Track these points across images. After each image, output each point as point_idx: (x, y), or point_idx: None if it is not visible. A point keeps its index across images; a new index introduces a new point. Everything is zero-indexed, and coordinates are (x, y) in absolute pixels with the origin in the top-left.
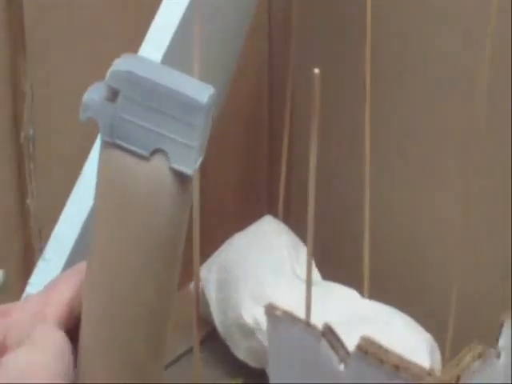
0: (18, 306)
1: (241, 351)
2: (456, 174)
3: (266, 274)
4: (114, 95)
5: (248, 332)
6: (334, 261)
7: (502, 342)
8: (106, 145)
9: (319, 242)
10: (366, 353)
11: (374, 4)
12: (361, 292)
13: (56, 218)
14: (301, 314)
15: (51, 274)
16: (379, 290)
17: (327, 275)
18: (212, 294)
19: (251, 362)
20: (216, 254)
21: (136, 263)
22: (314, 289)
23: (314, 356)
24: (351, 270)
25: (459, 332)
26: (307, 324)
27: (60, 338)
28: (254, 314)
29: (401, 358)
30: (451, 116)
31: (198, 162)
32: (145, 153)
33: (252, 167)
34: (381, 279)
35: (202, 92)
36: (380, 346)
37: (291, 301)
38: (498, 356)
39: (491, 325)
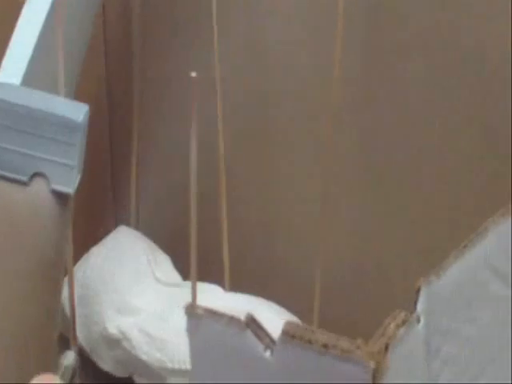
0: None
1: (107, 363)
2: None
3: (127, 283)
4: None
5: (113, 343)
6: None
7: (420, 306)
8: None
9: (180, 243)
10: (293, 336)
11: None
12: (223, 287)
13: None
14: (169, 316)
15: None
16: (242, 283)
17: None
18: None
19: (117, 372)
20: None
21: (22, 288)
22: (176, 290)
23: (240, 348)
24: (211, 267)
25: (325, 313)
26: (230, 317)
27: None
28: (118, 325)
29: (328, 336)
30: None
31: (78, 180)
32: (24, 178)
33: (95, 181)
34: (242, 271)
35: (76, 111)
36: (306, 328)
37: (157, 305)
38: (418, 320)
39: (355, 301)
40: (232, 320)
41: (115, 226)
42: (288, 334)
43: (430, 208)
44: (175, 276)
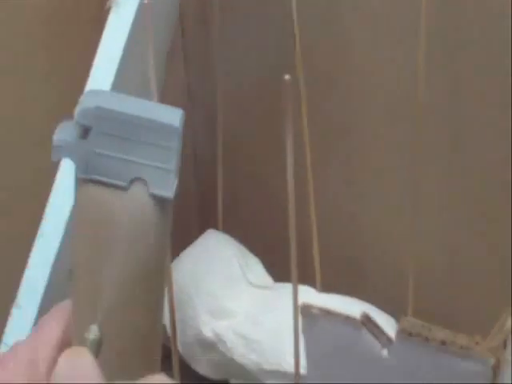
0: (9, 356)
1: (202, 366)
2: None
3: (219, 286)
4: (85, 132)
5: (209, 346)
6: (283, 262)
7: None
8: (82, 182)
9: (265, 245)
10: (410, 334)
11: None
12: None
13: None
14: (264, 318)
15: (26, 321)
16: (332, 285)
17: (278, 277)
18: (167, 316)
19: (213, 375)
20: None
21: (125, 296)
22: (269, 292)
23: (356, 347)
24: (301, 269)
25: (418, 316)
26: (346, 316)
27: None
28: (213, 328)
29: (445, 333)
30: (391, 112)
31: (176, 185)
32: (123, 183)
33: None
34: (333, 273)
35: (173, 116)
36: (422, 325)
37: (250, 308)
38: None
39: (448, 306)
40: (348, 319)
41: (200, 231)
42: (405, 331)
43: None
44: (267, 279)
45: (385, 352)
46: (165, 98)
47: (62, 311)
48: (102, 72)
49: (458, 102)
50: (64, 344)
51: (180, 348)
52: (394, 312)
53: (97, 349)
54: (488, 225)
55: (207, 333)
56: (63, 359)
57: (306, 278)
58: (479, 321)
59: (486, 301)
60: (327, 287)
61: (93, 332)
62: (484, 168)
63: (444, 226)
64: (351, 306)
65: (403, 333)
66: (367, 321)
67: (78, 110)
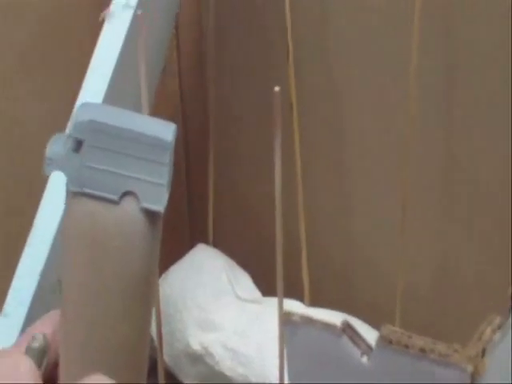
0: None
1: (189, 378)
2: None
3: (207, 299)
4: (78, 145)
5: (196, 358)
6: (273, 277)
7: None
8: (73, 195)
9: (254, 260)
10: (390, 341)
11: None
12: (303, 302)
13: None
14: (251, 332)
15: (12, 330)
16: (321, 299)
17: (267, 292)
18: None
19: None
20: None
21: (113, 306)
22: (257, 306)
23: (336, 353)
24: (290, 283)
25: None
26: (326, 323)
27: None
28: (201, 341)
29: (425, 341)
30: (384, 115)
31: (166, 198)
32: (114, 197)
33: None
34: (322, 287)
35: (165, 131)
36: (402, 333)
37: (238, 321)
38: None
39: (436, 320)
40: (328, 326)
41: (191, 245)
42: (385, 338)
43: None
44: (255, 292)
45: (365, 359)
46: (156, 108)
47: (49, 321)
48: (95, 83)
49: (452, 106)
50: (49, 354)
51: (168, 360)
52: (382, 324)
53: (41, 357)
54: (478, 237)
55: (195, 345)
56: None
57: (295, 293)
58: (468, 334)
59: (474, 314)
60: (316, 301)
61: (37, 340)
62: (477, 177)
63: (433, 239)
64: (336, 318)
65: (383, 340)
66: (347, 328)
67: (71, 123)
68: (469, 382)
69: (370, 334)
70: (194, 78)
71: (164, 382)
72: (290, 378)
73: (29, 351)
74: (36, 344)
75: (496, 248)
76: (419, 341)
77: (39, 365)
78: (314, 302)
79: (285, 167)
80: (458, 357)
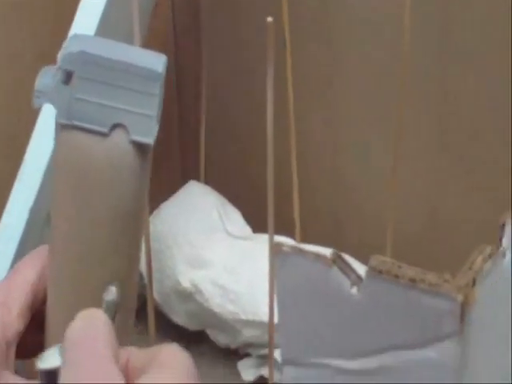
0: None
1: (179, 316)
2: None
3: (198, 236)
4: (68, 77)
5: (186, 296)
6: (264, 214)
7: (505, 241)
8: (62, 127)
9: (246, 196)
10: (380, 272)
11: None
12: (293, 238)
13: None
14: (242, 269)
15: (2, 266)
16: (312, 238)
17: (258, 229)
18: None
19: (190, 326)
20: None
21: (102, 240)
22: (247, 243)
23: (326, 284)
24: (281, 221)
25: None
26: (317, 254)
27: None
28: (191, 278)
29: (415, 271)
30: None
31: (156, 131)
32: (104, 129)
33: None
34: (312, 227)
35: (156, 62)
36: (392, 263)
37: (228, 258)
38: (504, 255)
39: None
40: (318, 257)
41: (182, 182)
42: (375, 269)
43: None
44: (246, 229)
45: (354, 290)
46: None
47: (38, 256)
48: (86, 16)
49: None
50: (38, 289)
51: (157, 297)
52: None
53: (113, 310)
54: (469, 177)
55: (185, 283)
56: (76, 320)
57: (286, 231)
58: (458, 266)
59: (466, 252)
60: (306, 239)
61: (110, 293)
62: (468, 122)
63: (424, 177)
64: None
65: (373, 270)
66: (338, 259)
67: (61, 54)
68: (459, 311)
69: (360, 271)
70: (187, 10)
71: (153, 319)
72: (279, 310)
73: (103, 304)
74: (110, 297)
75: (486, 185)
76: (409, 271)
77: (112, 318)
78: (305, 241)
79: (277, 104)
80: (448, 286)
